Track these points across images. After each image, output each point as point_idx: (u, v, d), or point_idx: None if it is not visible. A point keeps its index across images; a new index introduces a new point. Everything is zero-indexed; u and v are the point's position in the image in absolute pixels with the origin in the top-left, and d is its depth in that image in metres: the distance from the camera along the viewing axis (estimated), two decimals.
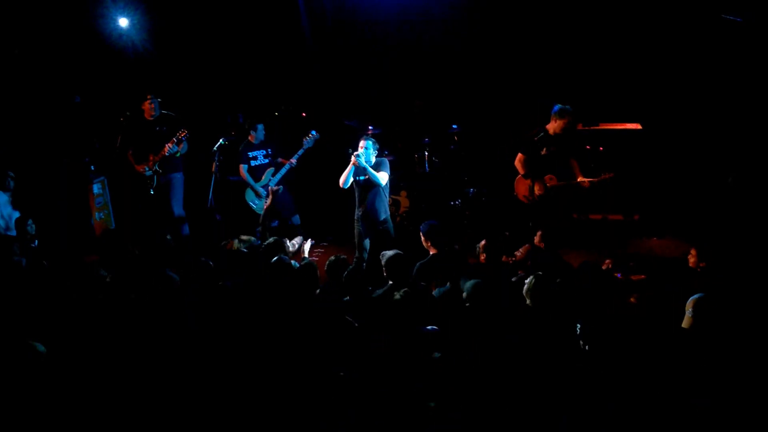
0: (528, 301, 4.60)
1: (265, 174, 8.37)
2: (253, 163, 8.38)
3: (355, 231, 7.07)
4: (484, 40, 9.38)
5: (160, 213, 8.22)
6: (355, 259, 7.03)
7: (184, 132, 8.01)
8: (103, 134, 9.01)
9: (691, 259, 5.54)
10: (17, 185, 8.13)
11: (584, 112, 9.12)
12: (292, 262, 5.82)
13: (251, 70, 9.94)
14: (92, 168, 8.89)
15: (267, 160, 8.42)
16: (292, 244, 6.86)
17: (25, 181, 8.56)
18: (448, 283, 5.29)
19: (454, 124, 9.55)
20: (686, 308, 4.25)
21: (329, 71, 10.11)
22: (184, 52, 9.60)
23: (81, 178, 8.71)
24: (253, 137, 8.36)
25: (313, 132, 8.18)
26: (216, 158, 8.24)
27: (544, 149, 7.05)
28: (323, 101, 10.20)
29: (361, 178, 6.87)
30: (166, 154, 8.00)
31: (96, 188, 8.78)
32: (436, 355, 3.93)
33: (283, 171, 8.32)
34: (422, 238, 6.17)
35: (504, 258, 6.18)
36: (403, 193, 9.12)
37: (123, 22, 9.13)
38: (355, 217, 7.06)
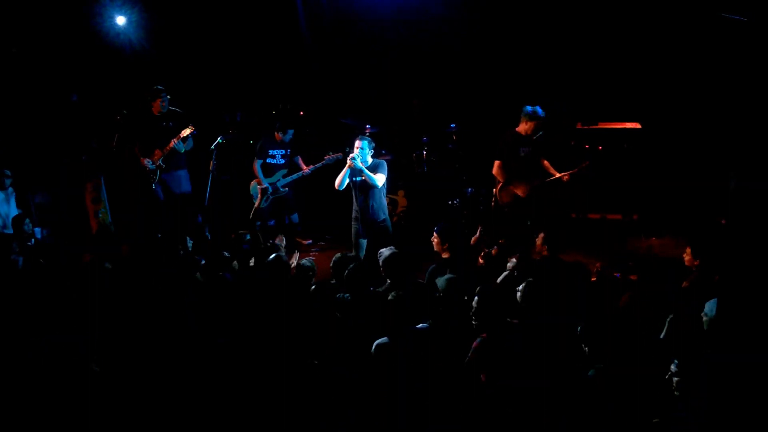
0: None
1: (277, 173, 8.31)
2: (269, 160, 8.29)
3: (353, 229, 7.03)
4: (483, 39, 9.37)
5: (167, 212, 8.27)
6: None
7: (191, 129, 8.01)
8: (100, 133, 8.98)
9: (686, 258, 5.52)
10: (14, 184, 8.14)
11: (584, 111, 9.15)
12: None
13: (249, 69, 9.90)
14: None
15: (284, 161, 8.33)
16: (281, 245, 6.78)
17: (23, 179, 8.57)
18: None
19: (453, 124, 9.52)
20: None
21: (327, 70, 10.08)
22: (181, 51, 9.57)
23: (79, 176, 8.68)
24: (279, 137, 8.26)
25: (339, 154, 8.05)
26: (214, 157, 8.21)
27: (520, 150, 7.05)
28: (321, 100, 10.17)
29: (358, 178, 6.80)
30: (173, 147, 8.02)
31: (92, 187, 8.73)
32: None
33: (295, 176, 8.25)
34: (435, 238, 6.01)
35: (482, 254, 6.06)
36: (401, 193, 9.10)
37: (120, 20, 9.10)
38: (353, 216, 7.02)
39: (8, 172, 8.08)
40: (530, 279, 4.64)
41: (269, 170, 8.32)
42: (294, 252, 7.44)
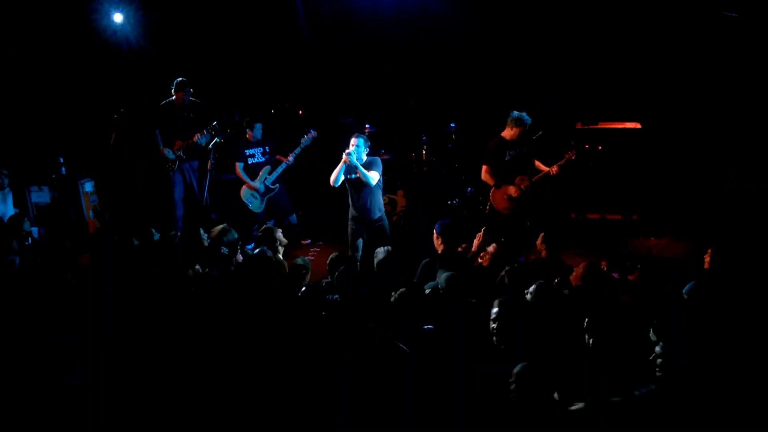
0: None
1: (262, 172, 8.32)
2: (250, 161, 8.33)
3: (349, 230, 7.00)
4: (483, 39, 9.35)
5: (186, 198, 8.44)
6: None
7: (216, 125, 8.12)
8: (98, 131, 8.96)
9: (707, 259, 5.48)
10: (11, 182, 8.11)
11: (584, 111, 9.13)
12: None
13: (248, 68, 9.88)
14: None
15: (264, 158, 8.36)
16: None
17: (20, 178, 8.55)
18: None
19: (452, 123, 9.50)
20: None
21: (326, 69, 10.06)
22: (179, 49, 9.53)
23: (76, 175, 8.67)
24: (250, 135, 8.31)
25: (312, 131, 8.12)
26: (211, 156, 8.20)
27: (506, 154, 7.05)
28: (320, 99, 10.14)
29: (353, 176, 6.77)
30: (195, 141, 8.15)
31: (89, 186, 8.71)
32: None
33: (279, 169, 8.28)
34: (435, 235, 6.00)
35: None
36: (400, 192, 9.07)
37: (118, 17, 9.07)
38: (349, 216, 6.99)
39: (5, 171, 8.06)
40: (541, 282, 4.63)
41: (253, 171, 8.33)
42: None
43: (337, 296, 4.78)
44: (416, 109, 9.96)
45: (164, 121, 8.21)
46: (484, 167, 7.20)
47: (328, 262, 5.51)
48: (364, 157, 6.77)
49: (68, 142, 9.06)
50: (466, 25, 9.41)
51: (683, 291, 4.59)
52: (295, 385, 3.91)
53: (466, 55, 9.52)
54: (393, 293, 4.51)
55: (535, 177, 7.12)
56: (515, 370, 3.52)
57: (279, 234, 6.19)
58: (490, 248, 5.74)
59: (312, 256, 8.09)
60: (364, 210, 6.84)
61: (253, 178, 8.30)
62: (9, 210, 8.08)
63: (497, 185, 7.20)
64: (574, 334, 4.15)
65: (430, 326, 4.33)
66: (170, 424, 3.89)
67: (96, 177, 8.86)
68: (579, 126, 8.99)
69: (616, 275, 5.94)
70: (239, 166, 8.31)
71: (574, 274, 5.14)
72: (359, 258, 6.86)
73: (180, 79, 8.12)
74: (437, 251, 5.94)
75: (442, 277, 4.83)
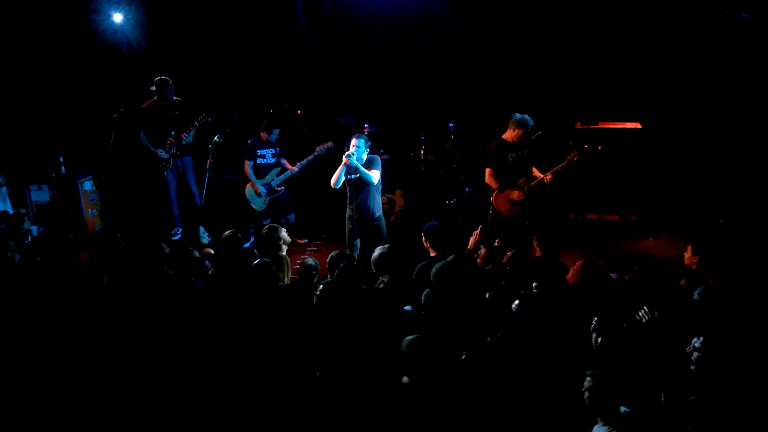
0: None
1: (270, 173, 8.31)
2: (259, 161, 8.32)
3: (346, 229, 7.00)
4: (482, 38, 9.33)
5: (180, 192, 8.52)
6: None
7: (204, 118, 8.19)
8: (98, 131, 8.95)
9: (687, 255, 5.50)
10: (8, 181, 8.11)
11: (584, 111, 9.12)
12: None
13: (247, 67, 9.87)
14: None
15: (274, 160, 8.36)
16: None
17: (20, 176, 8.54)
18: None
19: (451, 123, 9.49)
20: None
21: (325, 69, 10.05)
22: (179, 48, 9.53)
23: (76, 174, 8.67)
24: (265, 137, 8.28)
25: (330, 143, 8.07)
26: (211, 155, 8.20)
27: (509, 156, 7.06)
28: (319, 99, 10.14)
29: (353, 176, 6.76)
30: (183, 142, 8.23)
31: (88, 185, 8.71)
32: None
33: (285, 175, 8.29)
34: (423, 238, 6.05)
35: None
36: (399, 192, 9.06)
37: (117, 17, 9.06)
38: (347, 216, 6.99)
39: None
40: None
41: (262, 171, 8.33)
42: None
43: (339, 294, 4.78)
44: (416, 109, 9.95)
45: (149, 121, 8.21)
46: (487, 170, 7.18)
47: (327, 260, 5.52)
48: (365, 157, 6.79)
49: (68, 141, 9.05)
50: (466, 25, 9.39)
51: (695, 293, 4.55)
52: (295, 386, 3.92)
53: (465, 55, 9.51)
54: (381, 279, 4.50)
55: (532, 183, 7.13)
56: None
57: (283, 233, 6.19)
58: (482, 251, 5.76)
59: (309, 255, 8.08)
60: (362, 209, 6.84)
61: (260, 177, 8.30)
62: (8, 208, 8.10)
63: (500, 188, 7.19)
64: (574, 333, 4.17)
65: (408, 307, 4.37)
66: (170, 424, 3.89)
67: (96, 176, 8.85)
68: (578, 126, 8.99)
69: (614, 275, 5.95)
70: (248, 164, 8.31)
71: (570, 272, 5.15)
72: (357, 257, 6.86)
73: (160, 77, 8.10)
74: (428, 252, 5.97)
75: (434, 267, 4.83)
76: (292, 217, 8.55)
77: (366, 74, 10.02)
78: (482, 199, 8.74)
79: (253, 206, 8.35)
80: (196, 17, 9.49)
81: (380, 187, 7.03)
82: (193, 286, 5.26)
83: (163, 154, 8.27)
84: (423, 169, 9.32)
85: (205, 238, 8.28)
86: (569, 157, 6.98)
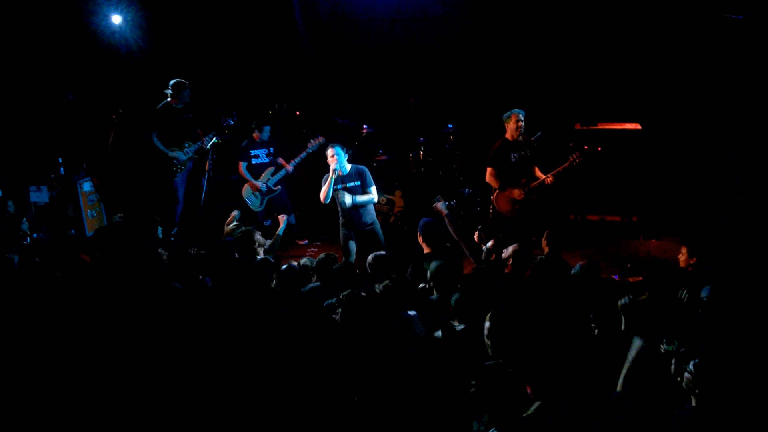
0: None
1: (265, 173, 8.31)
2: (254, 161, 8.33)
3: (341, 235, 6.99)
4: (481, 39, 9.32)
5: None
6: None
7: (227, 122, 8.25)
8: (97, 131, 8.94)
9: (682, 258, 5.48)
10: (9, 182, 8.09)
11: (583, 111, 9.11)
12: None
13: (245, 68, 9.86)
14: (84, 166, 8.81)
15: (268, 159, 8.37)
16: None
17: (18, 178, 8.52)
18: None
19: (450, 124, 9.48)
20: None
21: (324, 70, 10.04)
22: (177, 50, 9.51)
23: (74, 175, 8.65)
24: (257, 136, 8.30)
25: (321, 137, 8.05)
26: (209, 157, 8.18)
27: (512, 156, 7.05)
28: (318, 100, 10.13)
29: (339, 186, 6.76)
30: (207, 146, 8.24)
31: (87, 186, 8.69)
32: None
33: (280, 174, 8.28)
34: (418, 234, 6.07)
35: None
36: (398, 193, 9.05)
37: (116, 18, 9.05)
38: (340, 223, 6.98)
39: None
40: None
41: (257, 171, 8.33)
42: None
43: (334, 299, 4.76)
44: (415, 109, 9.94)
45: (164, 124, 8.17)
46: (489, 170, 7.19)
47: (316, 262, 5.52)
48: (347, 165, 6.76)
49: (67, 142, 9.03)
50: (464, 25, 9.39)
51: (702, 295, 4.53)
52: (295, 385, 3.90)
53: (463, 56, 9.50)
54: (378, 286, 4.53)
55: (533, 184, 7.12)
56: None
57: (258, 236, 6.23)
58: (489, 244, 5.75)
59: (309, 256, 8.06)
60: (353, 218, 6.84)
61: (255, 178, 8.29)
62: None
63: (502, 188, 7.18)
64: (574, 328, 4.16)
65: (413, 311, 4.36)
66: (171, 424, 3.87)
67: (95, 177, 8.83)
68: (578, 127, 8.98)
69: (616, 277, 5.94)
70: (243, 165, 8.30)
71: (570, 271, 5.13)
72: (353, 262, 6.83)
73: (177, 80, 8.12)
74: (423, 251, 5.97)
75: (431, 266, 4.84)
76: (292, 218, 8.55)
77: (364, 75, 10.00)
78: (483, 200, 8.75)
79: (251, 207, 8.34)
80: (194, 19, 9.48)
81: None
82: (200, 284, 5.24)
83: (181, 156, 8.23)
84: (422, 170, 9.31)
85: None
86: (571, 159, 6.97)
